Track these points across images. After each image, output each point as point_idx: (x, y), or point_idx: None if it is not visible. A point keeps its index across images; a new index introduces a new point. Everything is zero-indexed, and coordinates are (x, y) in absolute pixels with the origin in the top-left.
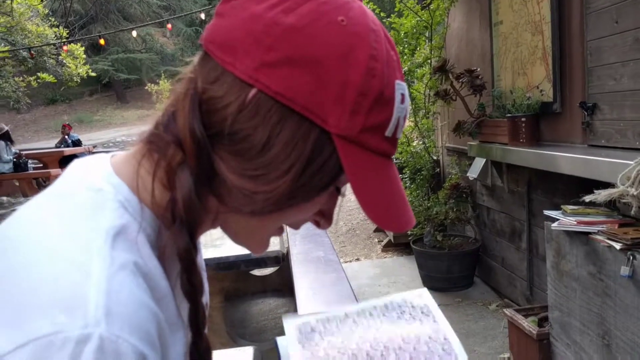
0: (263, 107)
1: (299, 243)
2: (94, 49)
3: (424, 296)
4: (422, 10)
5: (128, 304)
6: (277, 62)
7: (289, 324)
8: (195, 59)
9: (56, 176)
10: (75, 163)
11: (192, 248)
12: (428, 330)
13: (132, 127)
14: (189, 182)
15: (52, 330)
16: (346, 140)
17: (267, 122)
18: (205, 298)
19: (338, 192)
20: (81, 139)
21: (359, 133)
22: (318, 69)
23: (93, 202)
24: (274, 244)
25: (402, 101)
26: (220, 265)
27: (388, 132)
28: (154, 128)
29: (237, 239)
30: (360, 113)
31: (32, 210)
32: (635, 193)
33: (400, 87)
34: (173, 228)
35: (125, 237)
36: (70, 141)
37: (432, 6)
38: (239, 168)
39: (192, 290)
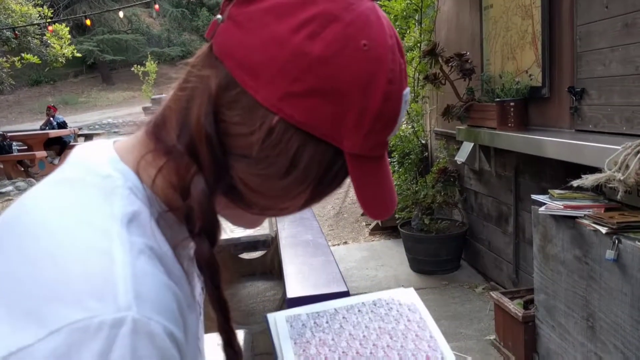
0: (285, 135)
1: (288, 227)
2: (78, 29)
3: (410, 294)
4: None
5: (154, 286)
6: (302, 93)
7: (279, 316)
8: (202, 57)
9: (41, 158)
10: (78, 148)
11: (214, 255)
12: (415, 328)
13: (118, 109)
14: (205, 192)
15: (85, 316)
16: (355, 156)
17: (289, 150)
18: (201, 282)
19: None
20: (66, 121)
21: (368, 149)
22: (341, 99)
23: (103, 188)
24: (263, 228)
25: (405, 106)
26: None
27: (389, 137)
28: (159, 121)
29: (236, 223)
30: (373, 133)
31: (42, 197)
32: (621, 178)
33: (405, 95)
34: (194, 237)
35: (139, 223)
36: (55, 123)
37: None
38: (258, 187)
39: (220, 301)
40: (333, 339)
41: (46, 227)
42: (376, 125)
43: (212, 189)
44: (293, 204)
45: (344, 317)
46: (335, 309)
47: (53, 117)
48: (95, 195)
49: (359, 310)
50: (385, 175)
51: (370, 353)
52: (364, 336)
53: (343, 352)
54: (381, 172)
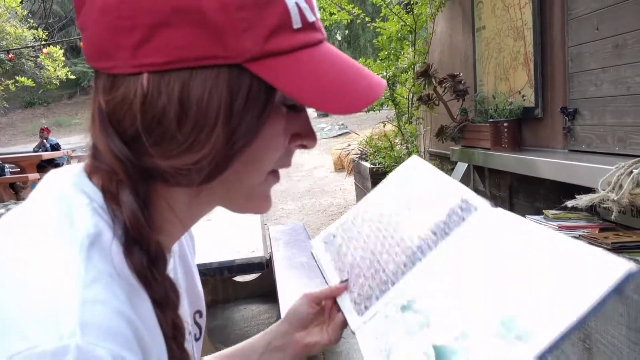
0: (162, 84)
1: (282, 248)
2: (72, 51)
3: (417, 164)
4: (406, 14)
5: (104, 314)
6: (145, 36)
7: (317, 243)
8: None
9: (34, 181)
10: (51, 173)
11: (149, 266)
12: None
13: None
14: (130, 200)
15: (28, 346)
16: (258, 60)
17: (173, 95)
18: (200, 305)
19: (294, 109)
20: (60, 143)
21: (263, 46)
22: (180, 18)
23: (68, 211)
24: (258, 250)
25: None
26: (203, 272)
27: (295, 24)
28: (91, 145)
29: (234, 206)
30: (250, 29)
31: (6, 226)
32: (615, 198)
33: None
34: (125, 250)
35: (101, 246)
36: (48, 145)
37: (416, 11)
38: (169, 151)
39: (161, 307)
40: (364, 241)
41: (1, 257)
42: (244, 18)
43: (136, 193)
44: (211, 145)
45: (364, 215)
46: (357, 210)
47: (46, 139)
48: (57, 219)
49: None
50: (330, 60)
51: (395, 241)
52: (388, 222)
53: (371, 250)
54: (318, 59)
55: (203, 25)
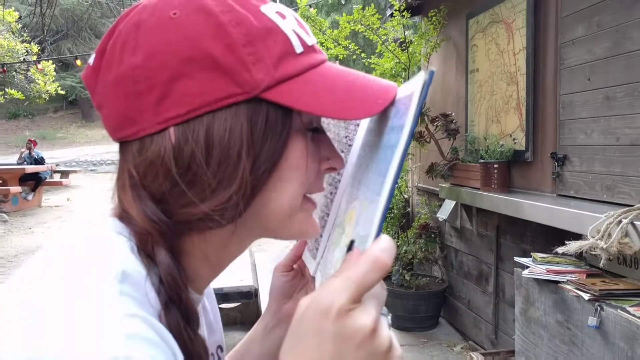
0: (188, 132)
1: (269, 278)
2: (62, 65)
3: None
4: (402, 52)
5: (143, 327)
6: (163, 93)
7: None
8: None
9: (15, 194)
10: (82, 218)
11: (184, 326)
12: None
13: (96, 146)
14: (167, 261)
15: None
16: (272, 88)
17: (199, 141)
18: (220, 340)
19: (317, 132)
20: (44, 157)
21: (274, 73)
22: (192, 67)
23: (106, 246)
24: (247, 279)
25: (283, 17)
26: None
27: (298, 49)
28: (120, 208)
29: (279, 233)
30: (258, 61)
31: (45, 266)
32: (604, 246)
33: (269, 8)
34: (164, 309)
35: (134, 279)
36: (34, 157)
37: (410, 49)
38: (201, 193)
39: None
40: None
41: (40, 294)
42: (252, 52)
43: (171, 249)
44: (240, 180)
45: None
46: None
47: (31, 150)
48: (94, 250)
49: None
50: (337, 74)
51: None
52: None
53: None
54: (326, 76)
55: (215, 68)
